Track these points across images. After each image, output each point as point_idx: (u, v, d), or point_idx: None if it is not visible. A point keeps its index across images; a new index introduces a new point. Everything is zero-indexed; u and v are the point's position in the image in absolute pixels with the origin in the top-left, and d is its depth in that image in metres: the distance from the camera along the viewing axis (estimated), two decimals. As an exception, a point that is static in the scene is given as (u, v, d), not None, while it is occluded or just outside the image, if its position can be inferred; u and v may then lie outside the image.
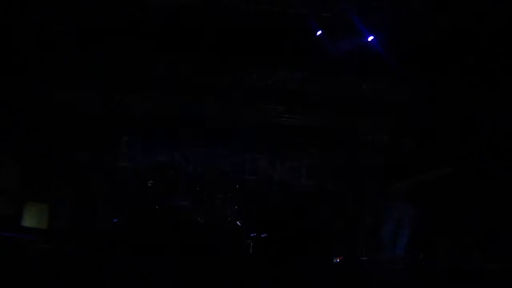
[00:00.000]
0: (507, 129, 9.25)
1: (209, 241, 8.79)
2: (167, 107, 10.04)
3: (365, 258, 8.63)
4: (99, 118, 10.11)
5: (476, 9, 8.18)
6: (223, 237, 8.84)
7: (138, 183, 9.64)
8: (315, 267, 8.36)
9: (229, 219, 9.04)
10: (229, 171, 9.71)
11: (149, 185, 9.25)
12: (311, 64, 9.94)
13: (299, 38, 9.33)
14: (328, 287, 7.75)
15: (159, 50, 9.67)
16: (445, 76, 9.34)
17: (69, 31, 9.03)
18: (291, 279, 7.78)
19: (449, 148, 9.49)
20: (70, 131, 10.13)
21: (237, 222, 9.02)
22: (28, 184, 10.44)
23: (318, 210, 9.22)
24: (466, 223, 9.79)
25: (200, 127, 10.06)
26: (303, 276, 7.92)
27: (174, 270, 7.86)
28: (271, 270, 7.99)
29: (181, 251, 8.50)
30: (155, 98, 10.05)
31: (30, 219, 10.40)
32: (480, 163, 9.48)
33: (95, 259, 7.83)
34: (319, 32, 9.31)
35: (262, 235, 8.97)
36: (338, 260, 8.67)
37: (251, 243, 8.96)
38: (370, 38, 9.53)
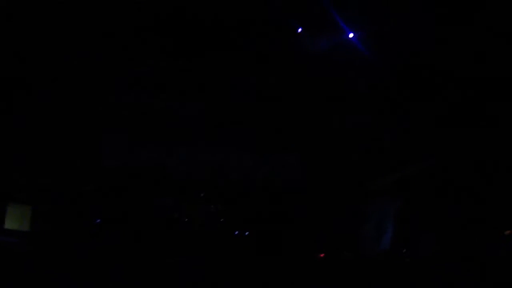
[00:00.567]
0: (490, 121, 9.35)
1: (194, 239, 8.81)
2: (153, 106, 9.99)
3: (349, 254, 8.69)
4: (84, 117, 10.02)
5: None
6: (207, 235, 8.85)
7: (123, 182, 9.58)
8: (298, 264, 8.40)
9: (213, 217, 9.04)
10: (214, 169, 9.68)
11: (135, 184, 9.21)
12: (292, 61, 9.94)
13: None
14: (311, 282, 7.80)
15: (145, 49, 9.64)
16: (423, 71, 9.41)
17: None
18: (274, 276, 7.83)
19: (430, 143, 9.56)
20: (54, 131, 10.04)
21: (221, 220, 9.02)
22: (11, 185, 10.32)
23: (301, 207, 9.24)
24: (449, 217, 9.85)
25: (186, 126, 10.02)
26: (286, 272, 7.97)
27: (160, 269, 7.88)
28: (255, 267, 8.03)
29: (166, 250, 8.51)
30: (140, 97, 9.99)
31: (12, 221, 10.29)
32: (461, 157, 9.57)
33: (77, 260, 7.82)
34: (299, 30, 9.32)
35: (246, 233, 9.00)
36: (321, 256, 8.71)
37: (235, 241, 8.99)
38: (351, 35, 9.55)
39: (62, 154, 10.08)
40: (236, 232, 8.88)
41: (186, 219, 9.02)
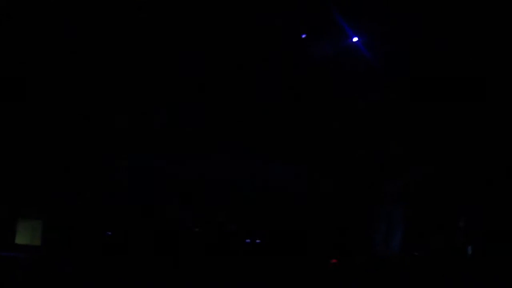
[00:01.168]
0: (494, 126, 9.39)
1: (204, 246, 8.81)
2: (161, 117, 10.02)
3: (361, 258, 8.69)
4: (89, 131, 10.06)
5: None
6: (217, 243, 8.86)
7: (131, 192, 9.59)
8: (310, 269, 8.41)
9: (223, 224, 9.05)
10: (223, 176, 9.69)
11: (146, 196, 9.25)
12: (302, 66, 9.97)
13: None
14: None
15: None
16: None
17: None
18: (287, 282, 7.83)
19: (436, 147, 9.61)
20: (61, 146, 10.08)
21: (231, 227, 9.03)
22: (21, 200, 10.35)
23: (312, 213, 9.26)
24: (459, 220, 9.88)
25: (196, 135, 10.03)
26: (299, 278, 7.97)
27: (171, 278, 7.88)
28: (267, 274, 8.03)
29: (176, 258, 8.51)
30: (144, 107, 10.03)
31: (23, 236, 10.32)
32: (468, 161, 9.61)
33: (89, 273, 7.82)
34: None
35: (257, 241, 9.01)
36: (333, 262, 8.71)
37: (246, 248, 9.00)
38: (355, 39, 9.60)
39: (72, 168, 10.12)
40: (248, 240, 8.89)
41: (197, 229, 9.04)
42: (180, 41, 9.29)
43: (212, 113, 9.94)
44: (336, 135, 9.96)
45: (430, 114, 9.63)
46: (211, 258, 8.55)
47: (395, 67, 9.52)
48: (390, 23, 8.74)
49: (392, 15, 8.72)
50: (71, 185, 10.06)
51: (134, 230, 9.27)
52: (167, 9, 8.85)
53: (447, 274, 8.96)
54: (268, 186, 9.67)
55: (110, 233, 9.42)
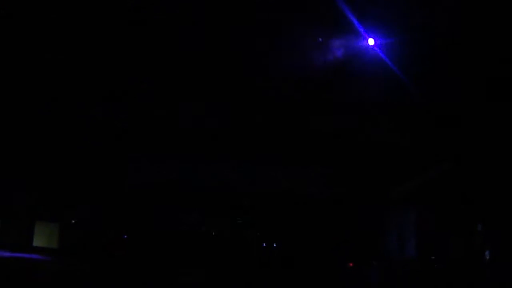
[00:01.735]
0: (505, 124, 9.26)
1: (221, 253, 8.81)
2: (173, 121, 10.02)
3: (377, 263, 8.62)
4: (105, 137, 10.12)
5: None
6: (234, 249, 8.84)
7: (147, 198, 9.64)
8: (327, 274, 8.36)
9: (239, 230, 9.04)
10: (238, 182, 9.68)
11: (160, 200, 9.28)
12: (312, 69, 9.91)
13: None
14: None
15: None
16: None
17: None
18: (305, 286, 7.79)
19: (448, 146, 9.50)
20: (78, 152, 10.16)
21: (248, 233, 9.01)
22: (39, 204, 10.47)
23: (327, 218, 9.21)
24: (477, 221, 9.74)
25: (210, 139, 10.03)
26: (316, 283, 7.93)
27: (186, 280, 7.89)
28: (284, 279, 8.00)
29: (193, 265, 8.52)
30: (159, 112, 10.04)
31: (41, 239, 10.43)
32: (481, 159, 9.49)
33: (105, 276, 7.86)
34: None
35: (274, 245, 8.98)
36: (350, 266, 8.66)
37: (263, 253, 8.97)
38: (371, 42, 9.52)
39: (88, 172, 10.20)
40: (264, 244, 8.86)
41: (213, 233, 9.03)
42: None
43: (228, 117, 9.93)
44: (350, 139, 9.89)
45: (442, 115, 9.53)
46: (228, 261, 8.54)
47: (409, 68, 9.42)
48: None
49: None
50: (88, 189, 10.14)
51: (148, 233, 9.30)
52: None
53: (465, 278, 8.88)
54: (283, 191, 9.64)
55: (125, 236, 9.47)
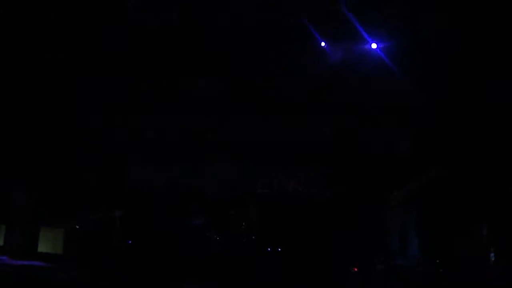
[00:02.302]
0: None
1: (224, 256, 8.82)
2: (175, 123, 10.06)
3: (381, 267, 8.60)
4: (110, 139, 10.17)
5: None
6: (238, 253, 8.85)
7: (151, 203, 9.67)
8: (332, 279, 8.36)
9: (244, 234, 9.05)
10: (242, 185, 9.71)
11: (163, 205, 9.30)
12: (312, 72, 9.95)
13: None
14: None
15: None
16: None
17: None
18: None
19: (450, 147, 9.50)
20: (84, 155, 10.20)
21: (252, 237, 9.03)
22: (43, 210, 10.49)
23: (331, 221, 9.21)
24: (482, 223, 9.72)
25: (210, 142, 10.07)
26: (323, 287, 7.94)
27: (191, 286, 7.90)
28: (289, 284, 8.00)
29: (197, 269, 8.53)
30: (165, 115, 10.07)
31: (46, 245, 10.45)
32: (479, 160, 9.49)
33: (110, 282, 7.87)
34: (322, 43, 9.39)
35: (278, 249, 8.99)
36: (354, 270, 8.65)
37: (267, 258, 8.98)
38: (374, 46, 9.57)
39: (92, 177, 10.24)
40: (269, 249, 8.87)
41: (217, 237, 9.04)
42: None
43: (227, 119, 9.97)
44: (351, 140, 9.90)
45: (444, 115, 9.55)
46: (233, 266, 8.54)
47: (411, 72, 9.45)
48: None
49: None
50: (93, 194, 10.17)
51: (153, 238, 9.32)
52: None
53: (470, 281, 8.86)
54: (284, 193, 9.66)
55: (130, 241, 9.49)
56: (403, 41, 9.08)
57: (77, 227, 10.13)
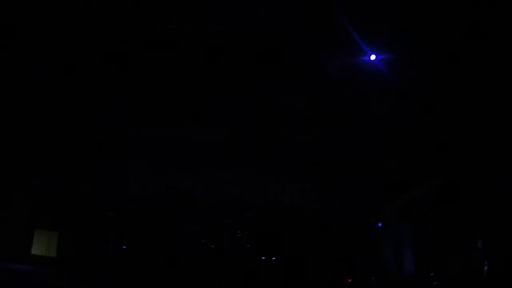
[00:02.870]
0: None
1: (219, 265, 8.81)
2: (173, 131, 10.05)
3: (376, 279, 8.62)
4: (105, 145, 10.15)
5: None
6: (233, 262, 8.84)
7: (147, 209, 9.65)
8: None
9: (238, 243, 9.05)
10: (238, 195, 9.71)
11: (159, 211, 9.28)
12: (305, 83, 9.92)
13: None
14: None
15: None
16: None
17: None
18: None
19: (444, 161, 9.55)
20: (78, 159, 10.19)
21: (247, 246, 9.02)
22: (36, 211, 10.45)
23: (325, 233, 9.22)
24: (475, 237, 9.75)
25: (208, 151, 10.06)
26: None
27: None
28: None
29: (192, 277, 8.52)
30: (160, 123, 10.06)
31: (39, 247, 10.41)
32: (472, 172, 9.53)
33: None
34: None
35: (272, 259, 8.98)
36: (349, 282, 8.66)
37: (261, 267, 8.97)
38: (373, 57, 9.56)
39: (87, 180, 10.22)
40: (263, 258, 8.86)
41: (213, 246, 9.03)
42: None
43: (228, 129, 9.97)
44: (346, 153, 9.91)
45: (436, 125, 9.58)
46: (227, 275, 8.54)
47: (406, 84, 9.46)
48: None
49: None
50: (87, 197, 10.15)
51: (146, 243, 9.30)
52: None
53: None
54: (281, 205, 9.67)
55: (125, 246, 9.47)
56: (401, 52, 9.09)
57: (72, 230, 10.10)
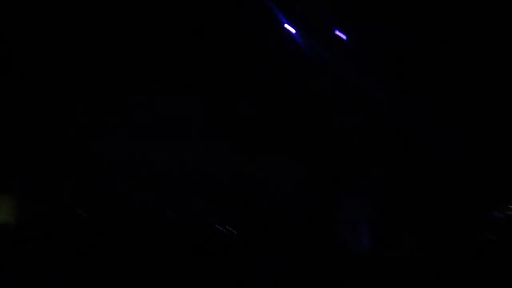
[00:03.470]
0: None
1: (180, 236, 8.82)
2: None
3: (329, 252, 8.86)
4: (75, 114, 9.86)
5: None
6: (194, 233, 8.88)
7: (107, 178, 9.45)
8: (283, 259, 8.54)
9: (200, 214, 9.08)
10: (201, 165, 9.63)
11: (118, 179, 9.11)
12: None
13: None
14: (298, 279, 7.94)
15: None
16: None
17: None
18: (260, 273, 7.95)
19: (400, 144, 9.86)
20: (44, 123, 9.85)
21: (208, 218, 9.07)
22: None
23: (284, 206, 9.38)
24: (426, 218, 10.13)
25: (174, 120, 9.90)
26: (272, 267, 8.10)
27: (144, 266, 7.88)
28: (243, 266, 8.12)
29: (151, 247, 8.49)
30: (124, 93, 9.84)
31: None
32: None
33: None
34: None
35: (235, 231, 9.08)
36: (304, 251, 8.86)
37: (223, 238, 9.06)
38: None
39: (49, 146, 9.90)
40: (227, 227, 8.95)
41: (175, 217, 9.03)
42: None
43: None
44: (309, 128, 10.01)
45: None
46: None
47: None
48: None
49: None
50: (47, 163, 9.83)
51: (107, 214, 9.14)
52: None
53: (413, 273, 9.25)
54: (245, 176, 9.67)
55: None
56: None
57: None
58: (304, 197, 9.41)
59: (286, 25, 9.42)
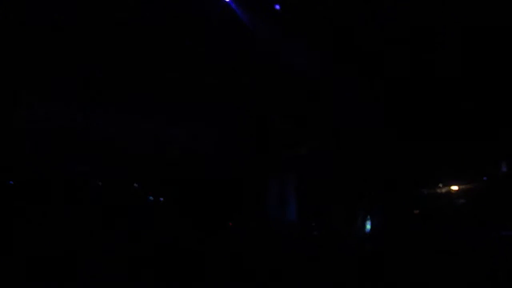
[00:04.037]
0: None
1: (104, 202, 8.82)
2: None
3: (255, 224, 9.01)
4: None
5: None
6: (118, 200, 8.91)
7: (33, 145, 9.24)
8: (210, 230, 8.66)
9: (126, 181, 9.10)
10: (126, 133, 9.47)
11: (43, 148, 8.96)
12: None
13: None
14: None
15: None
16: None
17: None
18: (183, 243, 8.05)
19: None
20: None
21: (134, 185, 9.11)
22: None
23: (211, 178, 9.46)
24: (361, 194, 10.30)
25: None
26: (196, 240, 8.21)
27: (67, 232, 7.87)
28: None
29: (76, 214, 8.43)
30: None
31: None
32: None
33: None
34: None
35: (160, 199, 9.16)
36: (230, 225, 9.01)
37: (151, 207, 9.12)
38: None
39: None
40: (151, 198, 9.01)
41: (99, 183, 9.02)
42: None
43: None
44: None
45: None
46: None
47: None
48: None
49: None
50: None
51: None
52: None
53: (342, 246, 9.45)
54: (167, 143, 9.59)
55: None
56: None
57: None
58: (231, 169, 9.48)
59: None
